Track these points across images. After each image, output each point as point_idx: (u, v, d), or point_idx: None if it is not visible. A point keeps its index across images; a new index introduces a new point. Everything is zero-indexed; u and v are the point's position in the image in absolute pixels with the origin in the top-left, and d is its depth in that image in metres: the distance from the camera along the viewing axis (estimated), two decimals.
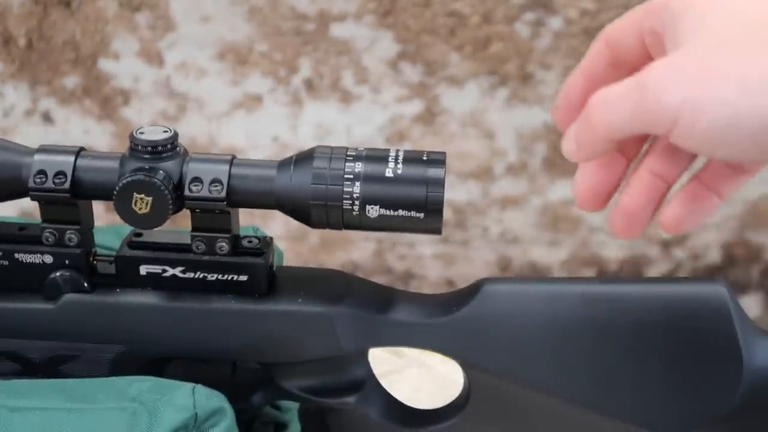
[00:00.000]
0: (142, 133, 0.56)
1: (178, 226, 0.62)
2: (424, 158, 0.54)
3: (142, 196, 0.55)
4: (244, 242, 0.59)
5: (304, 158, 0.55)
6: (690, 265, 1.23)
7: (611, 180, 0.50)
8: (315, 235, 1.24)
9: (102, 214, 1.14)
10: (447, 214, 1.23)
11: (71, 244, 0.58)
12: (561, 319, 0.57)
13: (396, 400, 0.64)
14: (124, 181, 0.54)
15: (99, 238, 0.61)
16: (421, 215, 0.54)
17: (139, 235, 0.59)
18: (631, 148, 0.50)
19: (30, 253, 0.58)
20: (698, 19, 0.42)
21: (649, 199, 0.48)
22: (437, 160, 0.54)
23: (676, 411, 0.58)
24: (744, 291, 1.25)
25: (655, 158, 0.48)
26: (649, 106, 0.42)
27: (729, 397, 0.57)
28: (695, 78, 0.41)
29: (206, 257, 0.58)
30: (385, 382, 0.63)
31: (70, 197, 0.56)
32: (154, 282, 0.59)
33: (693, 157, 0.48)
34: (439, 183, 0.53)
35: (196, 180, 0.55)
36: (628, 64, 0.49)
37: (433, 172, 0.54)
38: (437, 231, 0.54)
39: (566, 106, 0.51)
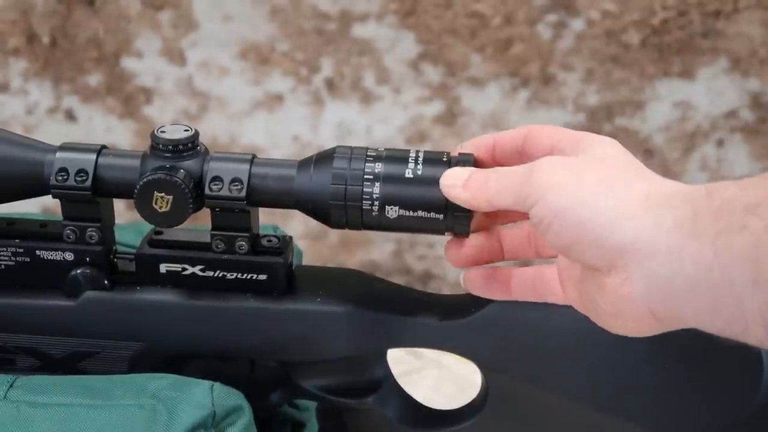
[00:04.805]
0: (163, 131, 0.56)
1: (198, 225, 0.62)
2: (444, 159, 0.54)
3: (163, 194, 0.55)
4: (264, 241, 0.59)
5: (324, 158, 0.55)
6: None
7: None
8: (334, 234, 1.24)
9: (123, 211, 1.15)
10: None
11: (92, 241, 0.58)
12: (580, 322, 0.57)
13: (414, 400, 0.64)
14: (145, 180, 0.55)
15: (120, 236, 0.61)
16: (441, 216, 0.54)
17: (160, 233, 0.59)
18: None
19: (51, 250, 0.58)
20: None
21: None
22: (462, 161, 0.54)
23: (695, 415, 0.58)
24: None
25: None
26: (527, 182, 0.48)
27: (749, 402, 0.56)
28: (566, 170, 0.48)
29: (226, 256, 0.58)
30: (403, 383, 0.63)
31: (91, 195, 0.56)
32: (174, 280, 0.59)
33: None
34: None
35: (217, 179, 0.55)
36: None
37: None
38: (464, 233, 0.54)
39: None
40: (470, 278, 0.55)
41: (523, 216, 0.53)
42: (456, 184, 0.51)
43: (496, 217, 0.55)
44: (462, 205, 0.51)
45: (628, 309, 0.46)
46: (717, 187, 0.44)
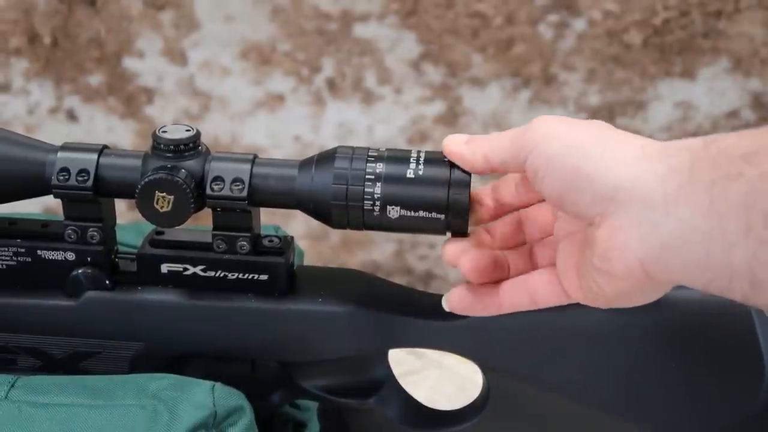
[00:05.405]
0: (164, 131, 0.56)
1: (200, 225, 0.62)
2: (445, 159, 0.54)
3: (164, 194, 0.55)
4: (265, 241, 0.59)
5: (326, 158, 0.55)
6: None
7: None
8: (336, 234, 1.24)
9: (124, 212, 1.15)
10: None
11: (93, 241, 0.58)
12: (582, 323, 0.57)
13: (415, 400, 0.64)
14: (147, 180, 0.55)
15: (121, 236, 0.62)
16: (442, 216, 0.54)
17: (161, 233, 0.60)
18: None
19: (52, 250, 0.58)
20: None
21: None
22: None
23: (698, 415, 0.58)
24: None
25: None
26: (521, 136, 0.51)
27: (751, 401, 0.56)
28: (559, 123, 0.50)
29: (227, 256, 0.58)
30: (404, 383, 0.63)
31: (92, 195, 0.56)
32: (175, 280, 0.59)
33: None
34: (464, 184, 0.53)
35: (218, 179, 0.56)
36: None
37: (458, 173, 0.53)
38: (463, 233, 0.54)
39: None
40: (455, 298, 0.54)
41: (521, 238, 0.55)
42: (458, 141, 0.54)
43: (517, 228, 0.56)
44: (460, 165, 0.53)
45: (620, 262, 0.45)
46: (715, 137, 0.44)
